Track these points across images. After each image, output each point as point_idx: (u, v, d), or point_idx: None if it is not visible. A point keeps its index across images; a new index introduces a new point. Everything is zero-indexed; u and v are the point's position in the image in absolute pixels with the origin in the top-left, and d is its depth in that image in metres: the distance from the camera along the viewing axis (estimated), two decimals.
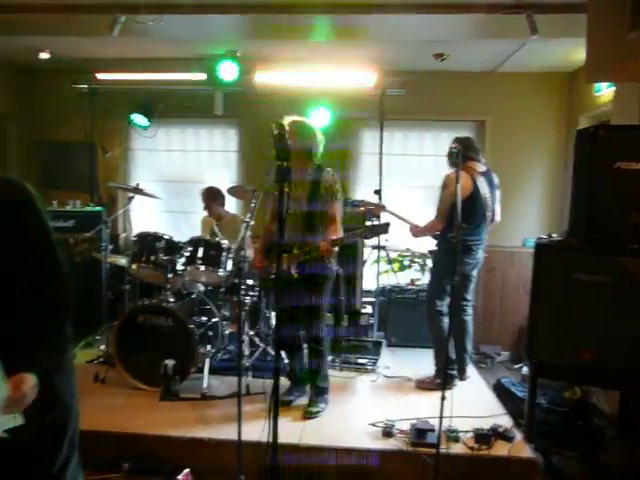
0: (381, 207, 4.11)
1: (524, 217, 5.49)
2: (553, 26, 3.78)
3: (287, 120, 3.38)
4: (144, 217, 5.98)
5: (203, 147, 5.97)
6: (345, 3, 4.04)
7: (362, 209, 4.94)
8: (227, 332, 4.25)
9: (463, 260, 3.79)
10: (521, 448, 3.05)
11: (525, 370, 4.28)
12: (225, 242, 4.01)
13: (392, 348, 4.93)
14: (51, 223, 1.77)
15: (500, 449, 3.01)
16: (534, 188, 5.49)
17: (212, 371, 3.88)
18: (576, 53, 4.66)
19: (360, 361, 4.39)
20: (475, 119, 5.54)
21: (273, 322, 4.42)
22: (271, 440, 1.63)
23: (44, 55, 4.91)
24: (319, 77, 5.07)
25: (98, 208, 5.03)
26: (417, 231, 4.00)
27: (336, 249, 3.27)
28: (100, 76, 5.24)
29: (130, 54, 5.06)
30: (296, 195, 3.38)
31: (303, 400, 3.60)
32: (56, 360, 1.72)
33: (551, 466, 3.12)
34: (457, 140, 3.69)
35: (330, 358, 4.26)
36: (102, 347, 4.19)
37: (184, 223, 5.88)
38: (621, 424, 3.49)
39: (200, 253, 3.90)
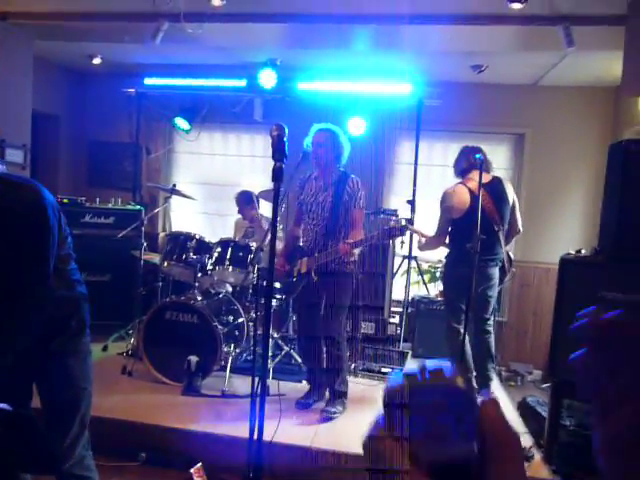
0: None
1: (563, 233, 5.34)
2: (593, 38, 3.69)
3: (315, 127, 3.45)
4: (183, 217, 6.16)
5: (244, 152, 6.10)
6: (383, 13, 4.08)
7: (393, 219, 4.94)
8: (251, 334, 4.32)
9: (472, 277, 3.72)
10: (539, 469, 2.97)
11: None
12: (254, 244, 4.09)
13: (418, 359, 4.88)
14: (94, 219, 1.83)
15: None
16: (574, 204, 5.34)
17: (236, 370, 3.96)
18: (620, 66, 4.53)
19: (383, 370, 4.37)
20: (515, 132, 5.45)
21: None
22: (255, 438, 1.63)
23: (96, 60, 5.18)
24: (357, 86, 5.11)
25: (138, 207, 5.22)
26: (420, 246, 3.97)
27: (356, 252, 3.28)
28: (147, 81, 5.45)
29: (176, 60, 5.26)
30: (319, 199, 3.44)
31: (321, 405, 3.62)
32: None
33: None
34: (465, 150, 3.63)
35: (352, 366, 4.28)
36: (132, 340, 4.34)
37: (220, 225, 6.03)
38: None
39: (229, 254, 4.00)
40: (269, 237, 3.48)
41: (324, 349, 3.60)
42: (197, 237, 4.14)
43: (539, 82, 5.13)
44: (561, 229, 5.34)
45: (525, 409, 3.90)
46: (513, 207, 3.85)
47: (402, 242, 3.20)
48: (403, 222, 3.00)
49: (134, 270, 4.65)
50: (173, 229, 6.04)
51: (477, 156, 3.00)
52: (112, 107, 5.78)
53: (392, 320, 5.02)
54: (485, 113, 5.36)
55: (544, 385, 4.49)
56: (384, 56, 4.77)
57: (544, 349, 5.27)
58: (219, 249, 4.06)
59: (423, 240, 3.93)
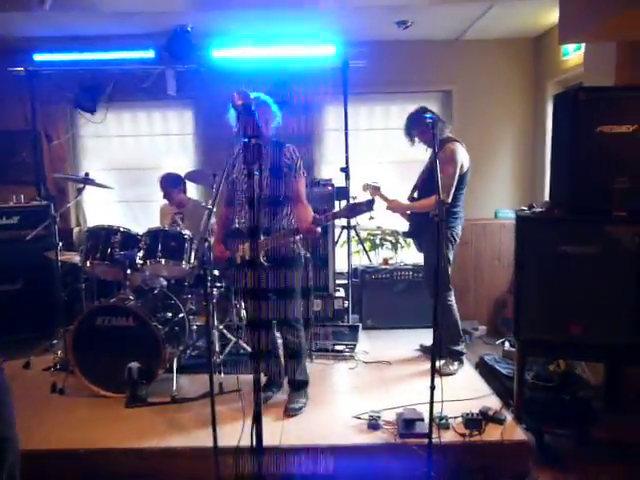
0: (376, 188, 3.88)
1: (494, 188, 5.37)
2: None
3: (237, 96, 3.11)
4: (99, 209, 5.60)
5: (157, 131, 5.60)
6: None
7: (329, 189, 4.73)
8: (195, 327, 4.00)
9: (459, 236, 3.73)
10: (513, 430, 2.92)
11: (507, 346, 4.18)
12: (187, 232, 3.74)
13: (368, 331, 4.76)
14: None
15: (492, 433, 2.87)
16: (503, 158, 5.36)
17: (182, 370, 3.64)
18: (540, 17, 4.52)
19: (337, 348, 4.20)
20: (441, 89, 5.34)
21: (244, 313, 4.19)
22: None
23: None
24: (277, 51, 4.78)
25: (45, 202, 4.63)
26: (409, 207, 3.79)
27: (319, 229, 3.03)
28: (38, 57, 4.81)
29: (72, 32, 4.63)
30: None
31: (280, 396, 3.39)
32: None
33: (543, 445, 3.02)
34: (425, 109, 3.51)
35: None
36: (59, 353, 3.87)
37: (142, 213, 5.54)
38: (608, 395, 3.43)
39: (160, 245, 3.62)
40: (210, 222, 3.19)
41: (280, 338, 3.36)
42: (121, 230, 3.70)
43: (462, 37, 5.03)
44: (493, 185, 5.36)
45: (484, 368, 3.89)
46: None
47: (371, 217, 2.91)
48: (369, 196, 2.78)
49: (50, 273, 4.14)
50: (89, 223, 5.48)
51: (428, 116, 2.82)
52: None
53: (337, 294, 4.86)
54: (410, 72, 5.19)
55: (497, 342, 4.52)
56: (303, 17, 4.44)
57: (487, 304, 5.36)
58: (148, 241, 3.66)
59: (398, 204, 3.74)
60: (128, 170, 5.55)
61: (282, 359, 3.46)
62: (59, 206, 4.35)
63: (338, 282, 4.95)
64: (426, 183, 3.74)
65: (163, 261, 3.64)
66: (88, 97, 4.90)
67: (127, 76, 4.92)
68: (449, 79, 5.23)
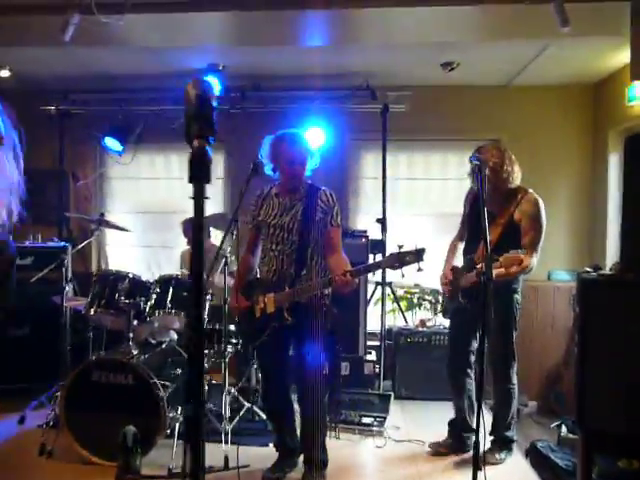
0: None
1: (547, 246, 4.73)
2: (583, 21, 3.20)
3: (278, 136, 2.83)
4: (122, 253, 5.36)
5: (186, 174, 5.39)
6: None
7: (364, 240, 4.34)
8: (206, 387, 3.59)
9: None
10: None
11: (564, 431, 3.56)
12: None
13: (401, 401, 4.22)
14: None
15: None
16: (558, 214, 4.84)
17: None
18: (601, 60, 4.13)
19: (364, 420, 3.68)
20: (488, 138, 4.94)
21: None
22: None
23: (4, 72, 4.39)
24: (312, 93, 4.53)
25: (62, 243, 4.40)
26: (506, 273, 2.95)
27: (356, 281, 2.63)
28: (70, 97, 4.73)
29: (101, 70, 4.52)
30: (284, 220, 2.79)
31: (293, 476, 2.91)
32: None
33: None
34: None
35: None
36: (56, 408, 3.51)
37: (166, 258, 5.27)
38: None
39: (170, 295, 3.29)
40: (219, 269, 2.84)
41: (299, 408, 2.91)
42: (130, 276, 3.38)
43: (513, 82, 4.67)
44: (546, 243, 4.74)
45: (536, 456, 3.29)
46: None
47: (419, 269, 2.43)
48: (418, 245, 2.36)
49: (58, 319, 3.85)
50: (110, 266, 5.24)
51: (471, 157, 2.41)
52: (29, 128, 4.93)
53: (368, 357, 4.38)
54: (454, 118, 4.84)
55: (552, 425, 3.87)
56: (342, 54, 4.18)
57: (538, 376, 4.74)
58: (158, 289, 3.33)
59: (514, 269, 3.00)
60: (155, 214, 5.32)
61: (298, 432, 3.00)
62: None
63: (369, 343, 4.47)
64: (508, 238, 3.11)
65: (173, 312, 3.31)
66: (116, 137, 4.73)
67: (158, 117, 4.73)
68: (497, 127, 4.84)
